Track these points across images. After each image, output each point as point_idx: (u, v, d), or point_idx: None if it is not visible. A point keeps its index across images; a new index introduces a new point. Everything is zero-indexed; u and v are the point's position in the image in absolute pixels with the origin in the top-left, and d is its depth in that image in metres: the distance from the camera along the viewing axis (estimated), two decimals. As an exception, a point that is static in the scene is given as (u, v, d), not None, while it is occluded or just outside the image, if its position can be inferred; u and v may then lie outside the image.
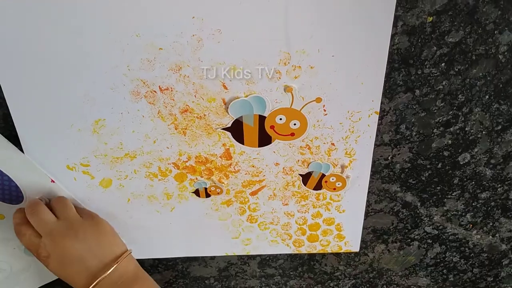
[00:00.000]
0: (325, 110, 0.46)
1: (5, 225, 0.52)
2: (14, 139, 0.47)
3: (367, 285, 0.64)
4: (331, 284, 0.64)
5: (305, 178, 0.52)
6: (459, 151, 0.51)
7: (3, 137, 0.46)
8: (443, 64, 0.45)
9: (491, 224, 0.57)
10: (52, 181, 0.50)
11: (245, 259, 0.61)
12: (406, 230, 0.58)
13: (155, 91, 0.45)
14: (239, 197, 0.53)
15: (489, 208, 0.56)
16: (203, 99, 0.45)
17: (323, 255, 0.61)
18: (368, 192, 0.53)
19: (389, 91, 0.46)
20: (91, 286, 0.45)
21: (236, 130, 0.48)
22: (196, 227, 0.56)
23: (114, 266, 0.46)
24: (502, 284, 0.64)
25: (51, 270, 0.47)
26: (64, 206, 0.49)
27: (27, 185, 0.50)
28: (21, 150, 0.48)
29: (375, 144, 0.49)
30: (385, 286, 0.65)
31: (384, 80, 0.45)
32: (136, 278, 0.48)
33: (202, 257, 0.60)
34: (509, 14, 0.42)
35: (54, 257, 0.46)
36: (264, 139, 0.48)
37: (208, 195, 0.53)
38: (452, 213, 0.56)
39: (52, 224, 0.47)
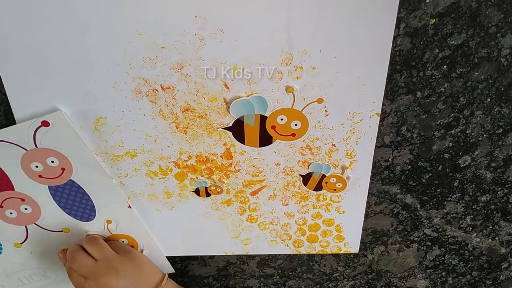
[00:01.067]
0: (326, 111, 0.46)
1: (67, 239, 0.55)
2: (15, 136, 0.47)
3: (366, 286, 0.64)
4: (330, 285, 0.64)
5: (306, 178, 0.52)
6: (460, 153, 0.51)
7: (98, 163, 0.48)
8: (445, 67, 0.45)
9: (490, 227, 0.57)
10: (129, 206, 0.52)
11: (244, 259, 0.61)
12: (406, 232, 0.58)
13: (156, 90, 0.45)
14: (239, 196, 0.53)
15: (489, 211, 0.56)
16: (204, 98, 0.45)
17: (322, 255, 0.61)
18: (368, 193, 0.53)
19: (390, 93, 0.46)
20: None
21: (237, 129, 0.48)
22: (196, 226, 0.56)
23: None
24: (501, 288, 0.64)
25: None
26: (99, 247, 0.51)
27: (104, 207, 0.52)
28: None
29: (375, 146, 0.49)
30: (384, 288, 0.65)
31: (386, 82, 0.45)
32: None
33: (201, 256, 0.60)
34: (512, 17, 0.42)
35: None
36: (265, 139, 0.48)
37: (208, 195, 0.53)
38: (452, 215, 0.56)
39: (91, 267, 0.50)
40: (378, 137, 0.49)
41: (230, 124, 0.47)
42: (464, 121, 0.48)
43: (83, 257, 0.50)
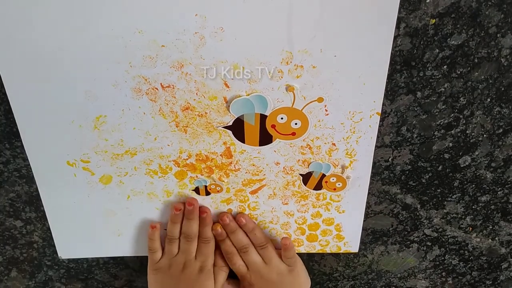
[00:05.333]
0: (326, 110, 0.46)
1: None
2: (14, 135, 0.47)
3: (366, 286, 0.64)
4: (330, 285, 0.64)
5: (306, 178, 0.52)
6: (460, 153, 0.51)
7: None
8: (445, 67, 0.45)
9: (490, 227, 0.57)
10: None
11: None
12: (406, 232, 0.58)
13: (156, 88, 0.45)
14: (239, 195, 0.53)
15: (489, 212, 0.56)
16: (204, 97, 0.45)
17: (322, 255, 0.61)
18: (368, 193, 0.53)
19: (390, 93, 0.46)
20: None
21: (237, 128, 0.48)
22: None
23: None
24: (500, 288, 0.64)
25: None
26: (273, 255, 0.54)
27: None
28: (22, 145, 0.48)
29: (376, 146, 0.49)
30: (383, 288, 0.65)
31: (386, 82, 0.45)
32: None
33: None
34: (512, 17, 0.42)
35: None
36: (265, 138, 0.48)
37: (208, 193, 0.53)
38: (452, 215, 0.56)
39: (261, 266, 0.54)
40: (378, 137, 0.48)
41: (230, 123, 0.47)
42: (464, 121, 0.48)
43: (257, 256, 0.54)
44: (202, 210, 0.53)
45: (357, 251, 0.59)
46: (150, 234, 0.54)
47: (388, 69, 0.44)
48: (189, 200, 0.52)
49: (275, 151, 0.49)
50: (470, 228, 0.57)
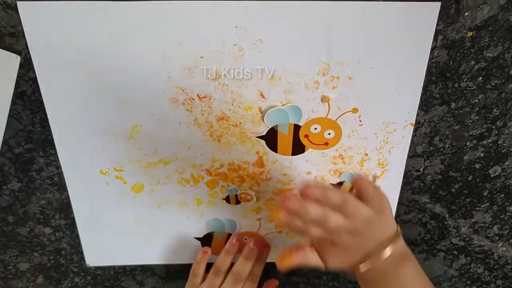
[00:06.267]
0: (360, 121, 0.47)
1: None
2: (49, 143, 0.48)
3: (389, 294, 0.64)
4: (353, 293, 0.64)
5: (336, 187, 0.52)
6: (491, 164, 0.51)
7: None
8: (480, 78, 0.45)
9: (517, 236, 0.57)
10: None
11: (271, 267, 0.61)
12: (433, 241, 0.58)
13: (193, 99, 0.45)
14: (268, 204, 0.53)
15: (516, 221, 0.56)
16: (240, 107, 0.46)
17: (348, 263, 0.61)
18: (398, 202, 0.53)
19: (425, 103, 0.46)
20: (363, 263, 0.43)
21: (271, 138, 0.48)
22: (224, 233, 0.56)
23: (388, 247, 0.43)
24: (524, 297, 0.64)
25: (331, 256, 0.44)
26: (355, 209, 0.42)
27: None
28: (55, 153, 0.48)
29: (408, 155, 0.49)
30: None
31: (421, 93, 0.45)
32: (404, 257, 0.44)
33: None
34: (550, 30, 0.42)
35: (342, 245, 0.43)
36: (298, 148, 0.49)
37: (238, 202, 0.53)
38: (479, 225, 0.56)
39: (340, 222, 0.42)
40: (410, 147, 0.49)
41: (264, 133, 0.47)
42: (496, 132, 0.49)
43: (334, 214, 0.42)
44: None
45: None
46: (199, 258, 0.54)
47: (424, 80, 0.44)
48: (256, 241, 0.53)
49: (307, 160, 0.50)
50: (497, 237, 0.58)
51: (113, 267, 0.59)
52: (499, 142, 0.49)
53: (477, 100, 0.46)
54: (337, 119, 0.46)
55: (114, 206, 0.53)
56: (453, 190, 0.53)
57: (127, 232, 0.55)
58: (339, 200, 0.42)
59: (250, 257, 0.52)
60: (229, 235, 0.56)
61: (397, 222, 0.55)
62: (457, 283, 0.62)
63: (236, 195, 0.52)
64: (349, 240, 0.43)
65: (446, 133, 0.48)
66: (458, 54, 0.44)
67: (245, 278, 0.52)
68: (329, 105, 0.45)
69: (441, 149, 0.50)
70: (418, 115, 0.47)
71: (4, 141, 0.47)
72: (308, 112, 0.46)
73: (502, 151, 0.50)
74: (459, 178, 0.52)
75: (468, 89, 0.46)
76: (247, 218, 0.55)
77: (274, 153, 0.49)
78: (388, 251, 0.42)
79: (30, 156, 0.49)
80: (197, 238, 0.56)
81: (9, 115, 0.46)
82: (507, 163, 0.51)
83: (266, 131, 0.47)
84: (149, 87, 0.44)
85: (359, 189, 0.43)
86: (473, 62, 0.44)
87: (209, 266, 0.54)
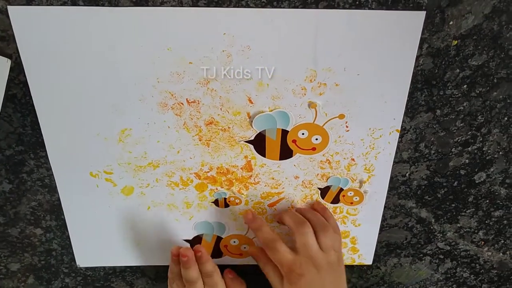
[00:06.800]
0: (347, 127, 0.47)
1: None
2: (40, 145, 0.48)
3: (377, 297, 0.65)
4: (342, 295, 0.65)
5: (324, 191, 0.53)
6: (476, 170, 0.52)
7: None
8: (465, 86, 0.46)
9: (502, 241, 0.58)
10: None
11: (260, 270, 0.61)
12: (419, 245, 0.59)
13: (182, 103, 0.45)
14: (257, 208, 0.54)
15: (501, 226, 0.57)
16: (228, 112, 0.46)
17: (336, 266, 0.61)
18: (384, 207, 0.54)
19: (410, 110, 0.47)
20: None
21: (259, 143, 0.48)
22: (213, 236, 0.57)
23: None
24: (510, 300, 0.65)
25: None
26: (334, 241, 0.49)
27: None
28: (46, 156, 0.48)
29: (394, 161, 0.50)
30: (394, 299, 0.65)
31: (407, 100, 0.46)
32: None
33: (219, 266, 0.61)
34: (532, 40, 0.43)
35: (307, 279, 0.46)
36: (286, 153, 0.49)
37: (227, 205, 0.54)
38: (465, 229, 0.57)
39: (316, 252, 0.47)
40: (396, 152, 0.49)
41: (252, 138, 0.48)
42: (481, 139, 0.49)
43: (313, 239, 0.48)
44: (196, 249, 0.50)
45: (371, 263, 0.59)
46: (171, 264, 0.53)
47: (409, 87, 0.45)
48: (183, 252, 0.49)
49: (295, 165, 0.50)
50: (482, 242, 0.58)
51: (103, 268, 0.60)
52: (483, 149, 0.50)
53: (462, 108, 0.47)
54: (324, 124, 0.47)
55: (104, 208, 0.53)
56: (439, 196, 0.54)
57: (117, 233, 0.55)
58: (324, 222, 0.50)
59: (187, 266, 0.50)
60: (218, 237, 0.56)
61: (383, 226, 0.56)
62: (443, 287, 0.63)
63: (225, 199, 0.53)
64: (314, 275, 0.46)
65: (432, 139, 0.49)
66: (443, 62, 0.44)
67: (198, 278, 0.51)
68: (316, 111, 0.46)
69: (426, 155, 0.50)
70: (404, 121, 0.48)
71: (-6, 143, 0.48)
72: (296, 118, 0.46)
73: (487, 158, 0.51)
74: (444, 184, 0.53)
75: (453, 96, 0.46)
76: (235, 221, 0.55)
77: (262, 158, 0.50)
78: None
79: (21, 158, 0.49)
80: (186, 240, 0.56)
81: (0, 118, 0.46)
82: (491, 169, 0.52)
83: (254, 135, 0.48)
84: (138, 91, 0.45)
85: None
86: (458, 70, 0.45)
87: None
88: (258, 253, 0.53)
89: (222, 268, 0.60)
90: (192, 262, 0.50)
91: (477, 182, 0.53)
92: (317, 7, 0.41)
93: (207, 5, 0.41)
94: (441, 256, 0.60)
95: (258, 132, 0.47)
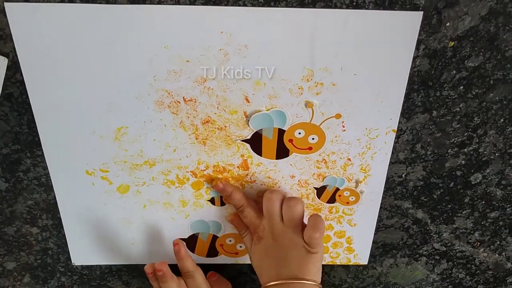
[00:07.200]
0: (343, 126, 0.47)
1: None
2: (36, 144, 0.48)
3: (373, 297, 0.65)
4: (337, 296, 0.65)
5: (320, 191, 0.53)
6: (472, 171, 0.52)
7: None
8: (461, 87, 0.46)
9: (498, 242, 0.58)
10: None
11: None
12: (415, 246, 0.59)
13: (178, 102, 0.45)
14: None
15: (497, 227, 0.57)
16: (225, 111, 0.46)
17: (332, 267, 0.61)
18: (380, 207, 0.54)
19: (407, 111, 0.47)
20: (272, 283, 0.47)
21: (255, 142, 0.48)
22: (209, 235, 0.57)
23: (302, 282, 0.46)
24: (505, 302, 0.65)
25: (253, 251, 0.51)
26: (298, 221, 0.49)
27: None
28: (42, 154, 0.48)
29: (390, 162, 0.50)
30: (390, 299, 0.66)
31: (403, 100, 0.46)
32: None
33: (214, 265, 0.61)
34: (529, 41, 0.43)
35: (264, 244, 0.50)
36: (282, 152, 0.49)
37: (223, 204, 0.54)
38: (461, 230, 0.57)
39: (278, 222, 0.49)
40: (392, 153, 0.50)
41: (249, 137, 0.48)
42: (477, 140, 0.49)
43: (278, 209, 0.49)
44: (174, 242, 0.53)
45: (366, 263, 0.60)
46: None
47: (406, 88, 0.45)
48: (157, 267, 0.51)
49: (291, 164, 0.50)
50: (478, 243, 0.59)
51: (100, 267, 0.60)
52: (480, 150, 0.50)
53: (458, 109, 0.47)
54: (320, 124, 0.47)
55: (100, 207, 0.53)
56: (435, 196, 0.54)
57: (113, 232, 0.55)
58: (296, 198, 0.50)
59: (164, 280, 0.51)
60: (214, 236, 0.56)
61: (379, 226, 0.56)
62: (439, 287, 0.63)
63: (221, 197, 0.53)
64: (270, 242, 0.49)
65: (428, 140, 0.49)
66: (439, 63, 0.44)
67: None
68: (313, 110, 0.46)
69: (423, 156, 0.50)
70: (400, 122, 0.48)
71: (-9, 141, 0.48)
72: (292, 117, 0.47)
73: (483, 159, 0.51)
74: (440, 185, 0.53)
75: (449, 97, 0.46)
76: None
77: (259, 157, 0.50)
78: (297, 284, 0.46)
79: (17, 157, 0.49)
80: (182, 239, 0.56)
81: (-4, 115, 0.46)
82: (488, 170, 0.52)
83: (251, 134, 0.48)
84: (135, 89, 0.45)
85: (312, 226, 0.47)
86: (454, 72, 0.45)
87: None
88: (234, 218, 0.54)
89: (219, 267, 0.60)
90: (169, 277, 0.51)
91: (473, 183, 0.53)
92: (314, 7, 0.41)
93: (205, 3, 0.41)
94: (437, 257, 0.60)
95: (255, 131, 0.47)
